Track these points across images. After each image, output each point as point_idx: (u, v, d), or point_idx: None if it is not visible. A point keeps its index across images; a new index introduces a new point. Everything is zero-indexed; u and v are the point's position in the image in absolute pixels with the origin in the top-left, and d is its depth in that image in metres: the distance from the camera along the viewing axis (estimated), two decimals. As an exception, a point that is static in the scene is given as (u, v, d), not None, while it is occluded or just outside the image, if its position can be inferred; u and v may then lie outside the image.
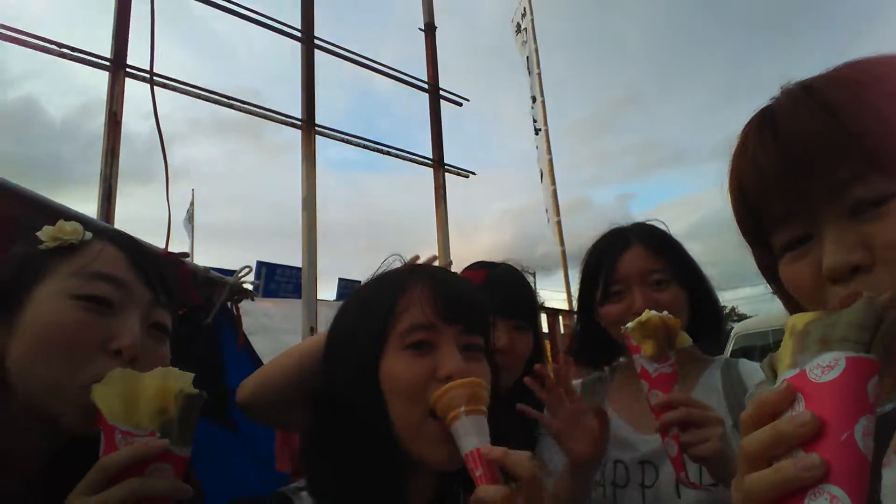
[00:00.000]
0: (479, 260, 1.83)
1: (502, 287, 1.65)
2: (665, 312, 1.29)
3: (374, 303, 1.11)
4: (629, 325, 1.30)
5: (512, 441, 1.64)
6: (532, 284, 1.79)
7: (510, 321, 1.63)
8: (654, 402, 1.26)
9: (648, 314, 1.28)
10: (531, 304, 1.74)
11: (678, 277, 1.54)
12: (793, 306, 0.77)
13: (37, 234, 1.00)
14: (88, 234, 1.01)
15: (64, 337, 0.91)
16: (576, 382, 1.75)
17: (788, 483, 0.50)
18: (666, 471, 1.42)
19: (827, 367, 0.52)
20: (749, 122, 0.76)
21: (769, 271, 0.79)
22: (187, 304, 1.87)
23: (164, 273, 1.08)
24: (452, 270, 1.60)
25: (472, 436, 0.91)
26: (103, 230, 1.08)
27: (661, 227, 1.66)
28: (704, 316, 1.57)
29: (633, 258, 1.55)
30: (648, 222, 1.67)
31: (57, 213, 1.55)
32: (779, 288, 0.79)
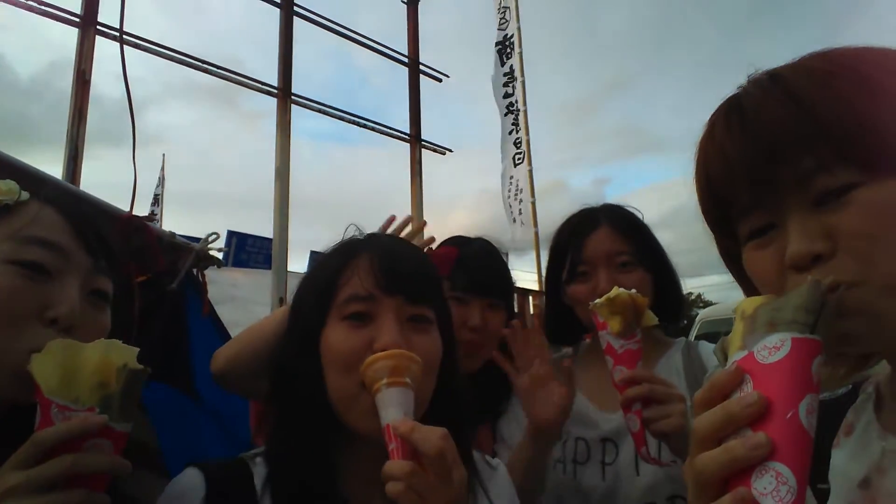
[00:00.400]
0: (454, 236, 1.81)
1: (475, 264, 1.63)
2: (634, 290, 1.30)
3: (320, 273, 1.11)
4: (597, 301, 1.30)
5: (476, 415, 1.66)
6: (506, 261, 1.78)
7: (483, 299, 1.62)
8: (618, 377, 1.27)
9: (617, 291, 1.28)
10: (505, 282, 1.72)
11: (644, 261, 1.54)
12: (753, 293, 0.79)
13: None
14: (25, 195, 0.95)
15: None
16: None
17: (737, 462, 0.52)
18: (626, 449, 1.45)
19: (773, 348, 0.54)
20: (717, 111, 0.76)
21: (731, 258, 0.80)
22: (152, 270, 1.83)
23: (106, 237, 1.04)
24: (431, 247, 1.59)
25: (390, 408, 0.91)
26: (43, 186, 1.01)
27: (633, 210, 1.65)
28: (667, 301, 1.58)
29: (600, 239, 1.55)
30: (619, 204, 1.66)
31: (16, 169, 1.51)
32: (739, 275, 0.80)
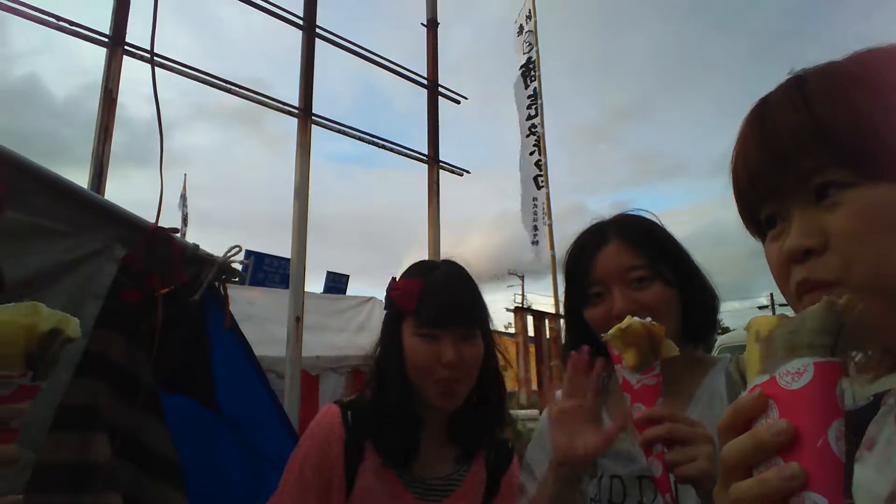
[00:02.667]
0: (446, 259, 1.68)
1: (442, 293, 1.53)
2: (649, 319, 1.18)
3: None
4: (609, 332, 1.19)
5: (469, 445, 1.59)
6: (476, 282, 1.64)
7: (455, 330, 1.50)
8: (636, 416, 1.16)
9: (630, 321, 1.17)
10: (475, 308, 1.59)
11: (663, 274, 1.38)
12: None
13: None
14: None
15: None
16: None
17: (772, 494, 0.52)
18: None
19: (796, 373, 0.54)
20: (751, 109, 0.80)
21: None
22: (175, 282, 1.85)
23: None
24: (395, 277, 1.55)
25: None
26: None
27: (649, 216, 1.50)
28: (695, 316, 1.42)
29: (609, 255, 1.40)
30: (632, 213, 1.51)
31: (47, 179, 1.55)
32: None
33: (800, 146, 0.69)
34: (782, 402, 0.54)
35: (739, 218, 0.84)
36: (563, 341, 1.64)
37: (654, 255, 1.39)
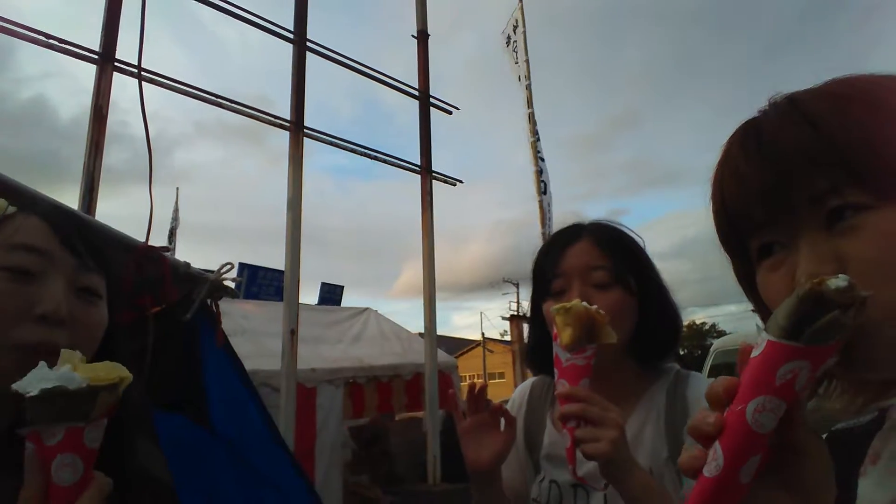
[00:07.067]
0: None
1: None
2: (596, 307, 1.19)
3: None
4: (553, 307, 1.21)
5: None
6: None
7: None
8: (558, 391, 1.21)
9: (575, 302, 1.19)
10: None
11: (626, 281, 1.39)
12: (767, 315, 0.78)
13: None
14: (12, 209, 1.03)
15: None
16: (526, 384, 1.66)
17: (697, 428, 0.60)
18: (597, 497, 1.35)
19: (756, 345, 0.59)
20: (734, 133, 0.77)
21: (747, 281, 0.79)
22: (167, 300, 1.84)
23: (92, 239, 1.09)
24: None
25: None
26: (32, 203, 1.09)
27: (627, 230, 1.50)
28: (651, 333, 1.41)
29: (577, 252, 1.41)
30: (611, 222, 1.51)
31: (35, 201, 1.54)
32: (756, 298, 0.79)
33: (812, 166, 0.66)
34: (747, 367, 0.60)
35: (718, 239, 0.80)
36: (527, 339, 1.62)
37: (620, 260, 1.40)
